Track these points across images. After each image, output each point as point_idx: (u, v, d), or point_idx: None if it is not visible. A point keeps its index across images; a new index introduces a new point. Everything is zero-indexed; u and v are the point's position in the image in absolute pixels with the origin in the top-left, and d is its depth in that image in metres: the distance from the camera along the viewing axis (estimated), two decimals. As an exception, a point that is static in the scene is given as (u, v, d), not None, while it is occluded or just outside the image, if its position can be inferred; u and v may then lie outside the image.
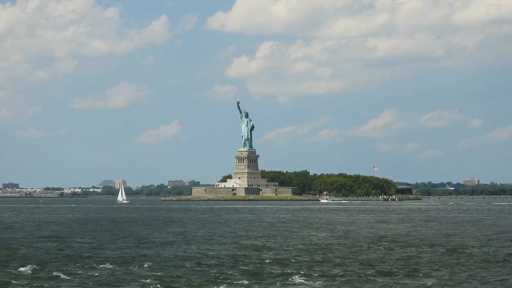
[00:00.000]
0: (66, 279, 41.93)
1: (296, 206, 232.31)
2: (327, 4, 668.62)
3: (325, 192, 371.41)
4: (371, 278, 42.14)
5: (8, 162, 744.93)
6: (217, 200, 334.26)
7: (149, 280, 41.38)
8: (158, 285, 39.59)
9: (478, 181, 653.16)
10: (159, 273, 43.89)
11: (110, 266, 47.23)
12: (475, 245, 63.59)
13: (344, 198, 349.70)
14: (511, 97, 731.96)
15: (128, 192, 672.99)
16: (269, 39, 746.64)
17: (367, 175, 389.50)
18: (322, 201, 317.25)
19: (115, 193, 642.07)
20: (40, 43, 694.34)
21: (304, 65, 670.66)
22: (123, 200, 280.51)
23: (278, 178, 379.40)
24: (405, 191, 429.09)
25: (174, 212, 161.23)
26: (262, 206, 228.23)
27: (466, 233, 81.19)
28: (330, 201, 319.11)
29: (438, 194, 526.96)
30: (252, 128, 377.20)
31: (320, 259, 51.57)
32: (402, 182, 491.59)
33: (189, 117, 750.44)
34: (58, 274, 43.64)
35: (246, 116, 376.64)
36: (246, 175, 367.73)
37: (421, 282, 40.69)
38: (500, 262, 50.01)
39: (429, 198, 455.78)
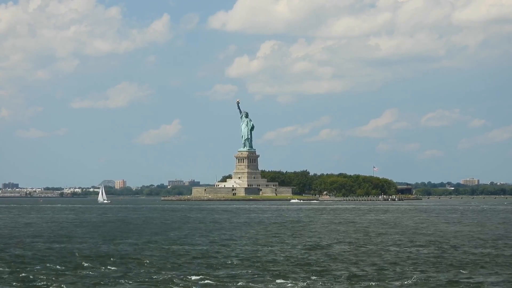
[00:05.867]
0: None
1: (269, 206, 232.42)
2: (328, 4, 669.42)
3: (325, 192, 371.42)
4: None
5: (8, 162, 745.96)
6: (217, 200, 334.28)
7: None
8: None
9: (478, 181, 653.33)
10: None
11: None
12: None
13: (345, 198, 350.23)
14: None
15: (128, 192, 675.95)
16: (270, 39, 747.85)
17: (367, 175, 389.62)
18: (293, 201, 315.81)
19: (115, 193, 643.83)
20: (41, 42, 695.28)
21: (305, 65, 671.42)
22: (104, 200, 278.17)
23: (278, 178, 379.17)
24: (405, 191, 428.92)
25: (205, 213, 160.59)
26: (255, 206, 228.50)
27: None
28: (301, 201, 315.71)
29: (438, 194, 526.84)
30: (252, 128, 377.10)
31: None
32: (402, 182, 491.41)
33: (190, 117, 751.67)
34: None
35: (246, 116, 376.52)
36: (246, 175, 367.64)
37: None
38: None
39: (429, 198, 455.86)
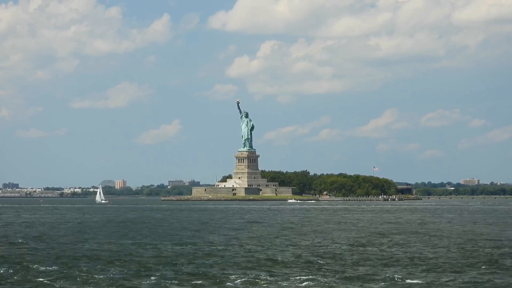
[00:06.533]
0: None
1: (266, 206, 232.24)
2: (328, 4, 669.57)
3: (325, 192, 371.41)
4: None
5: (8, 162, 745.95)
6: (217, 200, 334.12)
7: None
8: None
9: (478, 181, 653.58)
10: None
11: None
12: None
13: (345, 198, 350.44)
14: None
15: (128, 192, 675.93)
16: (270, 39, 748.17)
17: (367, 175, 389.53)
18: (290, 201, 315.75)
19: (115, 193, 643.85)
20: (41, 42, 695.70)
21: (305, 65, 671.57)
22: (102, 200, 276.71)
23: (278, 178, 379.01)
24: (405, 191, 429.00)
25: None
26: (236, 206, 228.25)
27: None
28: (298, 201, 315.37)
29: (438, 194, 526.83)
30: (252, 128, 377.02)
31: None
32: (402, 182, 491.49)
33: (190, 117, 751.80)
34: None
35: (246, 116, 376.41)
36: (246, 175, 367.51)
37: None
38: None
39: (429, 198, 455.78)
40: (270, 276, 42.79)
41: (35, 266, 47.31)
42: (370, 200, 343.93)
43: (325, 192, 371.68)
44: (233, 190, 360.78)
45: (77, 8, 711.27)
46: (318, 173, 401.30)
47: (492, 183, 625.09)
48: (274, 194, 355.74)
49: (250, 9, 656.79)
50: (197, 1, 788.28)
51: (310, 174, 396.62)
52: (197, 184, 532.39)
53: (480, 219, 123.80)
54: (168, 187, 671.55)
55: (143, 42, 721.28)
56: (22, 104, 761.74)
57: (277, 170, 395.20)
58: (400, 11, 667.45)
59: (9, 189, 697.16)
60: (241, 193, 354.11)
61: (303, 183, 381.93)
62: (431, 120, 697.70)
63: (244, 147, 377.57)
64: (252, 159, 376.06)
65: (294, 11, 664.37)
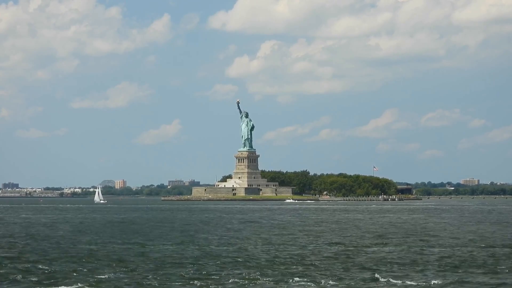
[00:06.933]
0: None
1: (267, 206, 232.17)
2: (328, 4, 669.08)
3: (325, 192, 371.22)
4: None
5: (8, 162, 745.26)
6: (217, 200, 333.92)
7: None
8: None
9: (478, 181, 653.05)
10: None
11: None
12: None
13: (345, 198, 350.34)
14: None
15: (128, 192, 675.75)
16: (270, 39, 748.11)
17: (367, 175, 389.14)
18: (288, 201, 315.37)
19: (115, 193, 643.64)
20: (41, 42, 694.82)
21: (305, 65, 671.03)
22: (100, 200, 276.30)
23: (278, 178, 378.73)
24: (405, 191, 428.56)
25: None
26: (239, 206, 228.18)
27: None
28: (296, 201, 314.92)
29: (438, 194, 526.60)
30: (252, 128, 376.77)
31: None
32: (402, 182, 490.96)
33: (190, 117, 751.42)
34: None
35: (246, 116, 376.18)
36: (246, 175, 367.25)
37: None
38: None
39: (429, 198, 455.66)
40: (269, 276, 42.79)
41: (34, 267, 47.30)
42: (370, 200, 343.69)
43: (325, 192, 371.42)
44: (233, 190, 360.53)
45: (77, 8, 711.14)
46: (318, 173, 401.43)
47: (492, 183, 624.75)
48: (274, 194, 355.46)
49: (250, 9, 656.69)
50: (197, 1, 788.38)
51: (310, 174, 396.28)
52: (197, 184, 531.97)
53: (480, 219, 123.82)
54: (168, 187, 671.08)
55: (143, 42, 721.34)
56: (22, 104, 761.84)
57: (277, 170, 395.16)
58: (400, 11, 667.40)
59: (9, 189, 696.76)
60: (241, 193, 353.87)
61: (303, 183, 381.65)
62: (431, 120, 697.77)
63: (244, 147, 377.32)
64: (252, 159, 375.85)
65: (294, 11, 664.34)
